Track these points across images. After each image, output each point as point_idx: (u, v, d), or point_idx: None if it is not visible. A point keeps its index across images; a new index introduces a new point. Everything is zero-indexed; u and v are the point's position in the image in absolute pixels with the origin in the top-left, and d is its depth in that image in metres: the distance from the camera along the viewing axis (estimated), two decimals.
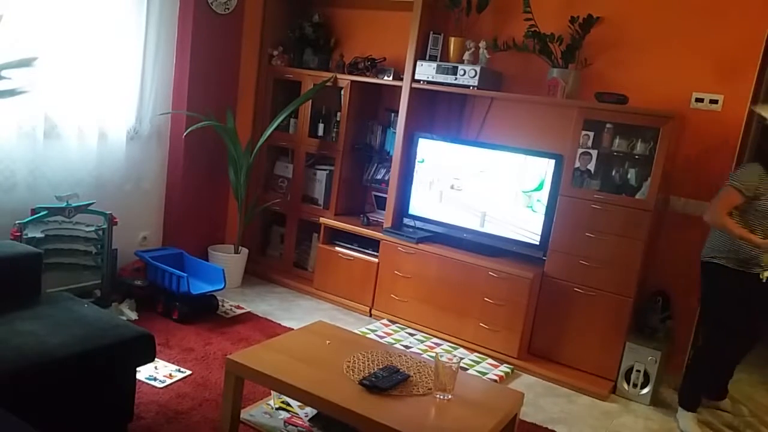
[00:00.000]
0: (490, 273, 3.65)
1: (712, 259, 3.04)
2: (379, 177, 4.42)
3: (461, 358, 3.51)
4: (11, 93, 2.65)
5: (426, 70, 3.87)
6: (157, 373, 2.96)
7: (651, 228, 3.32)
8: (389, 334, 3.82)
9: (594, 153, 3.46)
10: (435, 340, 3.84)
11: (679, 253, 3.54)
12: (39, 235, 3.22)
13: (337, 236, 4.32)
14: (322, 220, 4.34)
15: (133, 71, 3.83)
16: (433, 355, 3.43)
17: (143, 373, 2.89)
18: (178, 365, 3.07)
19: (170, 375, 2.96)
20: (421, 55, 3.98)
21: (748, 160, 3.41)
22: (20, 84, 2.68)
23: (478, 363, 3.57)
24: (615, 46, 3.62)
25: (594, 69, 3.66)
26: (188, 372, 3.01)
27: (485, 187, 3.85)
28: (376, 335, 3.75)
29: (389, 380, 2.24)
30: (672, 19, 3.46)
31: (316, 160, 4.56)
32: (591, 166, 3.48)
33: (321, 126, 4.44)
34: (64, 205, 3.33)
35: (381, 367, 2.37)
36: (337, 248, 4.29)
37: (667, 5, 3.48)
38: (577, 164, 3.49)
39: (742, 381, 3.92)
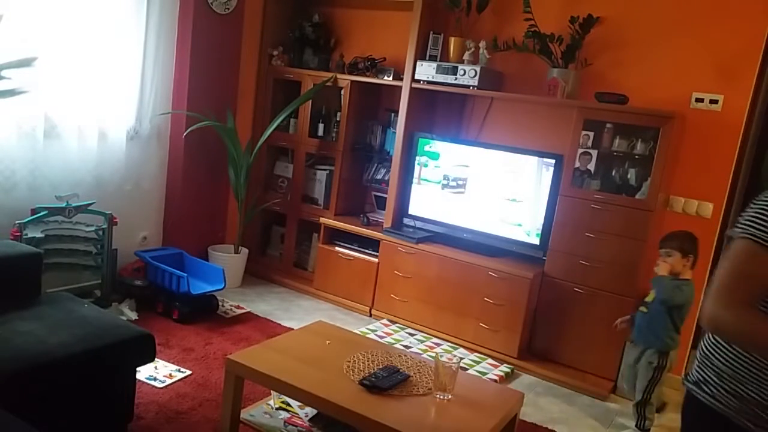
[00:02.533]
0: (490, 273, 3.65)
1: (700, 390, 1.44)
2: (379, 177, 4.42)
3: (461, 358, 3.51)
4: (11, 93, 2.66)
5: (426, 70, 3.87)
6: (157, 373, 2.96)
7: (651, 228, 3.32)
8: (389, 334, 3.82)
9: (594, 153, 3.46)
10: (435, 340, 3.83)
11: None
12: (39, 235, 3.22)
13: (337, 236, 4.32)
14: (322, 220, 4.34)
15: (133, 71, 3.82)
16: (433, 355, 3.43)
17: (143, 373, 2.89)
18: (178, 365, 3.07)
19: (170, 375, 2.96)
20: (421, 55, 3.98)
21: (748, 163, 3.39)
22: (20, 84, 2.68)
23: (478, 363, 3.57)
24: (615, 46, 3.62)
25: (594, 69, 3.66)
26: (188, 372, 3.01)
27: (485, 186, 3.85)
28: (376, 335, 3.75)
29: (389, 380, 2.24)
30: (672, 19, 3.46)
31: (316, 160, 4.56)
32: (591, 166, 3.47)
33: (321, 126, 4.44)
34: (64, 205, 3.34)
35: (381, 367, 2.37)
36: (337, 248, 4.29)
37: (667, 6, 3.48)
38: (577, 164, 3.49)
39: None
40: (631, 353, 3.05)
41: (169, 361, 3.09)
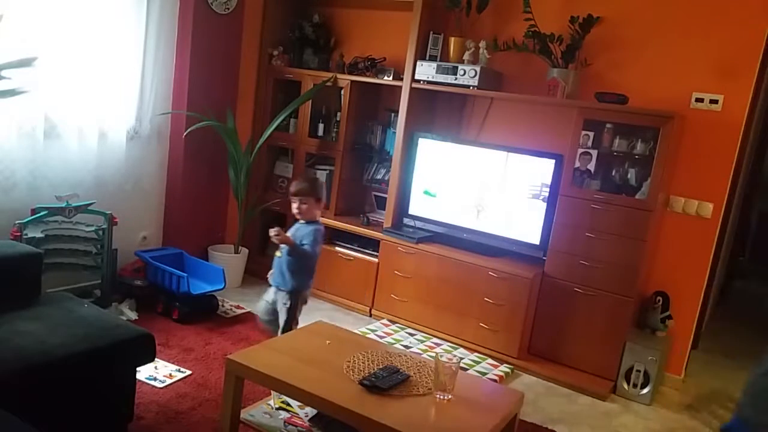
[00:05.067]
0: (490, 273, 3.65)
1: None
2: (379, 177, 4.42)
3: (461, 358, 3.51)
4: (11, 93, 2.66)
5: (426, 70, 3.87)
6: (157, 373, 2.96)
7: (651, 228, 3.32)
8: (389, 334, 3.82)
9: (594, 153, 3.46)
10: (435, 340, 3.83)
11: (679, 253, 3.54)
12: (39, 235, 3.22)
13: (337, 236, 4.32)
14: (322, 220, 4.34)
15: (133, 71, 3.82)
16: (433, 355, 3.43)
17: (143, 373, 2.88)
18: (178, 365, 3.07)
19: (170, 375, 2.96)
20: (421, 55, 3.98)
21: (748, 163, 3.39)
22: (20, 84, 2.68)
23: (478, 363, 3.57)
24: (615, 46, 3.61)
25: (594, 69, 3.66)
26: (188, 372, 3.01)
27: (485, 187, 3.85)
28: (376, 335, 3.75)
29: (389, 380, 2.24)
30: (672, 19, 3.46)
31: (316, 160, 4.56)
32: (591, 166, 3.47)
33: (321, 126, 4.44)
34: (64, 205, 3.33)
35: (381, 367, 2.37)
36: (337, 248, 4.29)
37: (666, 5, 3.47)
38: (577, 164, 3.49)
39: (740, 380, 3.92)
40: (270, 292, 3.07)
41: (169, 361, 3.09)
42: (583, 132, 3.45)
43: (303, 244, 2.90)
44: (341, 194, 4.41)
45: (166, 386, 2.85)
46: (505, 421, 2.24)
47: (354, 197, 4.53)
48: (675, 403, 3.44)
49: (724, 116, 3.36)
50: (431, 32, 3.98)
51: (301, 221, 3.01)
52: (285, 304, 2.96)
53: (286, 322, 2.97)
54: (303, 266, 2.95)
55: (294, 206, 3.00)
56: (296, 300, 2.97)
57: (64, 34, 3.38)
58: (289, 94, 4.51)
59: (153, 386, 2.83)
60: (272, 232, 2.84)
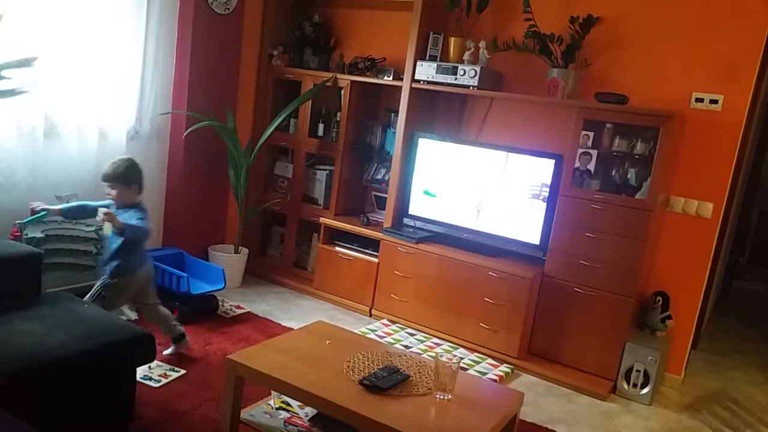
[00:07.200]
0: (490, 273, 3.65)
1: None
2: (379, 177, 4.42)
3: (461, 358, 3.51)
4: (11, 93, 2.66)
5: (426, 70, 3.87)
6: (152, 372, 2.95)
7: (651, 228, 3.32)
8: (389, 334, 3.82)
9: (594, 153, 3.46)
10: (435, 340, 3.83)
11: (679, 253, 3.54)
12: (39, 235, 3.22)
13: (337, 236, 4.32)
14: (322, 220, 4.34)
15: (133, 71, 3.82)
16: (433, 355, 3.43)
17: (138, 373, 2.87)
18: (173, 365, 3.06)
19: (165, 374, 2.95)
20: (421, 55, 3.98)
21: (748, 163, 3.39)
22: (20, 84, 2.68)
23: (478, 363, 3.57)
24: (615, 46, 3.62)
25: (594, 69, 3.66)
26: (182, 371, 3.00)
27: (485, 187, 3.85)
28: (376, 335, 3.75)
29: (389, 380, 2.24)
30: (672, 19, 3.46)
31: (316, 160, 4.56)
32: (591, 166, 3.47)
33: (321, 126, 4.44)
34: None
35: (381, 367, 2.37)
36: (337, 248, 4.29)
37: (667, 5, 3.48)
38: (577, 164, 3.49)
39: (740, 380, 3.93)
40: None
41: (163, 361, 3.07)
42: (583, 132, 3.46)
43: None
44: (341, 194, 4.41)
45: (161, 386, 2.85)
46: (505, 421, 2.24)
47: (354, 197, 4.54)
48: (675, 403, 3.44)
49: (724, 116, 3.36)
50: (431, 32, 3.98)
51: (119, 207, 2.91)
52: (101, 282, 2.90)
53: (94, 297, 2.86)
54: (134, 246, 2.88)
55: (107, 190, 2.93)
56: (122, 281, 2.89)
57: (64, 34, 3.38)
58: (289, 94, 4.51)
59: (149, 386, 2.83)
60: (101, 211, 2.73)
